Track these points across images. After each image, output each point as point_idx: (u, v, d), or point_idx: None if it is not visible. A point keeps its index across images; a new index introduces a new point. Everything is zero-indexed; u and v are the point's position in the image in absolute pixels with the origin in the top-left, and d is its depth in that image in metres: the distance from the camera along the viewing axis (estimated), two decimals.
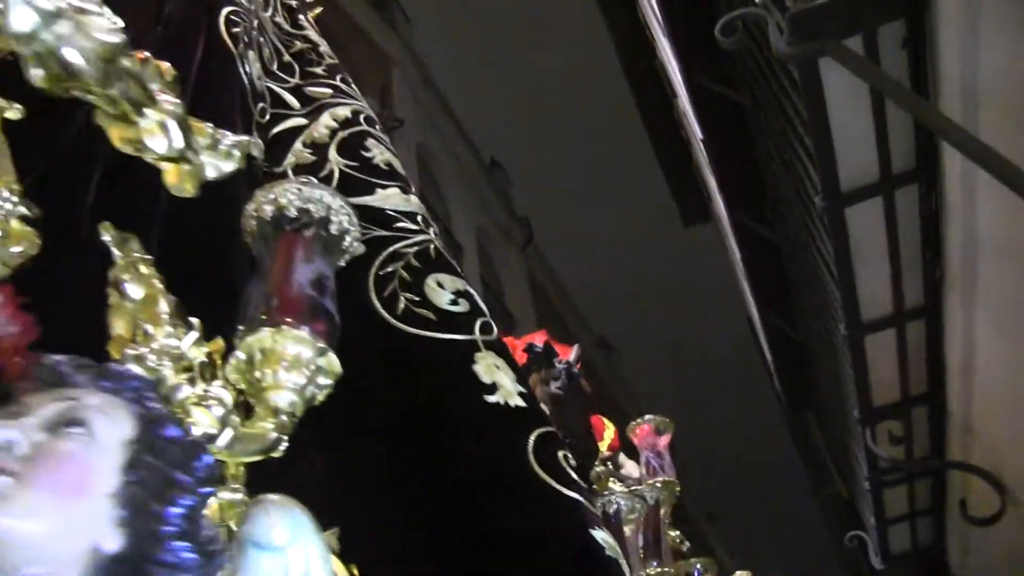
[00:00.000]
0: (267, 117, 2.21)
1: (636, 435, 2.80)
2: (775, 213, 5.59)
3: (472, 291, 1.97)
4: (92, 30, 1.13)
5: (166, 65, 1.36)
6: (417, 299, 1.85)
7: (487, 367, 1.79)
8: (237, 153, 1.35)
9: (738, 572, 3.46)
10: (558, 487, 1.65)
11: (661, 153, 7.89)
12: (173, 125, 1.26)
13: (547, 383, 3.14)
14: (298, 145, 2.19)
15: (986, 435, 4.39)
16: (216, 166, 1.29)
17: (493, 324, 1.92)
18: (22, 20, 1.06)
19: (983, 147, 2.60)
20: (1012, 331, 3.54)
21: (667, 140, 7.69)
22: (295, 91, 2.34)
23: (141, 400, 1.09)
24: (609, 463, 3.28)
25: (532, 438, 1.70)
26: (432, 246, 2.00)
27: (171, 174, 1.36)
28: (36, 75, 1.11)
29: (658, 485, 2.72)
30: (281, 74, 2.40)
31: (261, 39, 2.35)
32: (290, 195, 1.37)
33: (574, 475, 1.73)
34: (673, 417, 2.97)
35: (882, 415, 4.67)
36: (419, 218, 2.06)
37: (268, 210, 1.37)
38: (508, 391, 1.76)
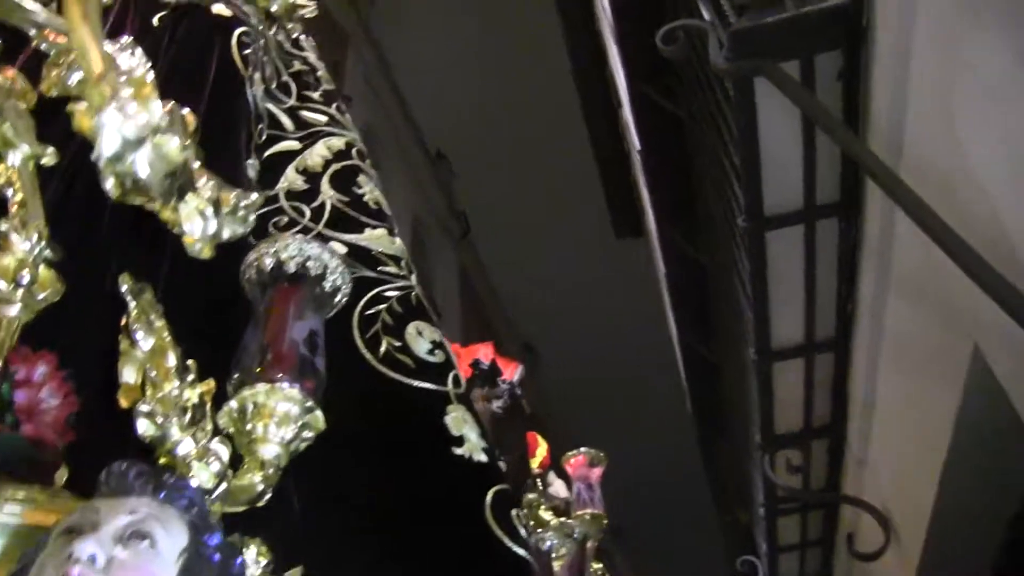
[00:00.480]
0: (263, 137, 2.30)
1: (570, 465, 2.89)
2: (703, 233, 5.61)
3: (446, 342, 2.07)
4: (166, 151, 1.21)
5: (190, 117, 1.42)
6: (398, 344, 1.95)
7: (456, 420, 1.89)
8: (252, 217, 1.40)
9: None
10: (509, 544, 1.76)
11: (601, 162, 7.91)
12: (211, 211, 1.33)
13: (489, 400, 3.21)
14: (291, 171, 2.26)
15: (879, 472, 4.45)
16: (233, 229, 1.36)
17: (462, 377, 2.03)
18: (110, 145, 1.13)
19: (903, 187, 2.61)
20: (911, 372, 3.59)
21: (609, 150, 7.71)
22: (290, 112, 2.42)
23: (191, 509, 1.27)
24: (539, 480, 3.31)
25: (490, 495, 1.79)
26: (413, 293, 2.10)
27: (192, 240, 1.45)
28: (110, 188, 1.19)
29: (587, 518, 2.85)
30: (279, 93, 2.46)
31: (264, 58, 2.41)
32: (291, 251, 1.49)
33: (524, 532, 1.83)
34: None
35: (782, 443, 4.71)
36: (403, 263, 2.16)
37: (268, 263, 1.48)
38: (474, 445, 1.86)
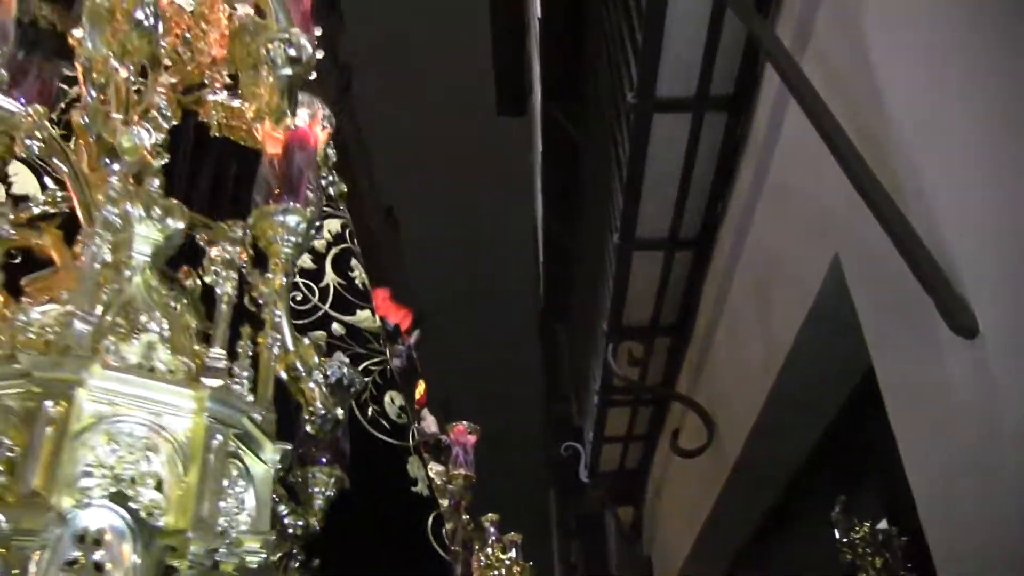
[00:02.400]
0: None
1: (453, 432, 3.30)
2: (586, 116, 5.47)
3: (407, 405, 2.63)
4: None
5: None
6: (379, 409, 2.48)
7: (413, 466, 2.49)
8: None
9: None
10: (442, 553, 2.41)
11: (497, 28, 7.58)
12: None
13: (391, 357, 3.62)
14: None
15: (713, 377, 4.55)
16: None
17: (416, 432, 2.63)
18: None
19: (801, 76, 2.50)
20: (764, 285, 3.61)
21: (507, 17, 7.39)
22: None
23: None
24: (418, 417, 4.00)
25: (431, 518, 2.44)
26: (388, 367, 2.60)
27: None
28: None
29: (461, 479, 3.33)
30: None
31: None
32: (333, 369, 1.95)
33: (449, 543, 2.56)
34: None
35: (628, 335, 4.74)
36: (380, 339, 2.62)
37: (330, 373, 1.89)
38: (423, 483, 2.48)
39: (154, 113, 1.56)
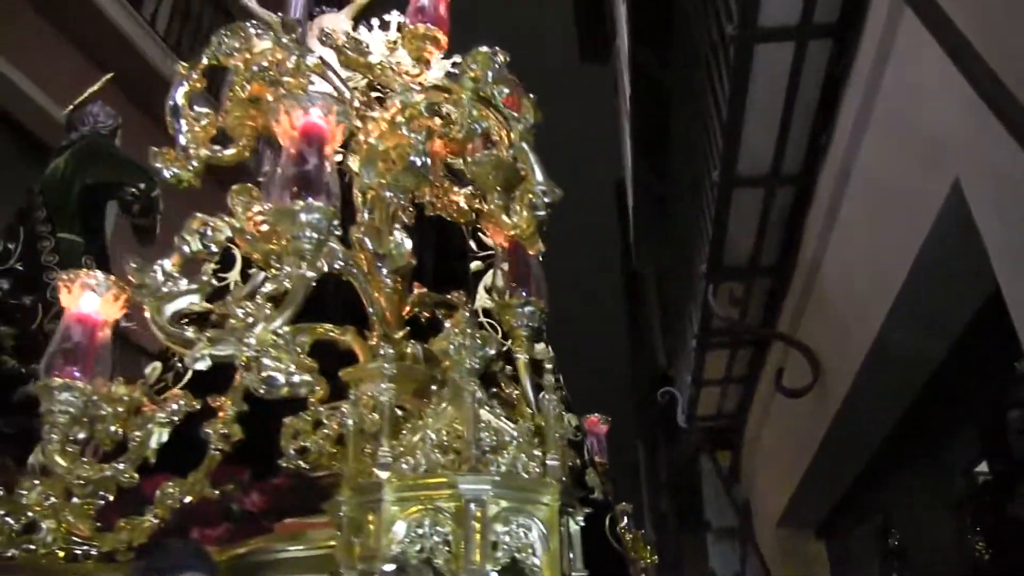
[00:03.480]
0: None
1: (587, 423, 3.09)
2: (677, 57, 5.37)
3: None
4: None
5: None
6: None
7: (590, 477, 2.73)
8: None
9: None
10: (619, 549, 2.68)
11: None
12: None
13: None
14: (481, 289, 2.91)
15: (815, 317, 4.47)
16: None
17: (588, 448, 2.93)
18: None
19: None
20: (873, 218, 3.51)
21: None
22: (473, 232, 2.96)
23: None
24: None
25: (607, 519, 2.70)
26: (565, 393, 2.76)
27: None
28: None
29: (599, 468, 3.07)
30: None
31: None
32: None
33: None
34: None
35: (728, 275, 4.68)
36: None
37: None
38: (599, 490, 2.73)
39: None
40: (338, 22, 4.11)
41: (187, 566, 1.59)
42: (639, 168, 6.38)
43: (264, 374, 1.65)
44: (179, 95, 2.11)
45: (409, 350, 2.08)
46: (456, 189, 2.27)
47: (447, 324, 1.88)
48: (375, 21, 3.18)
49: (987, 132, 2.26)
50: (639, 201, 6.73)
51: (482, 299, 2.77)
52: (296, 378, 1.68)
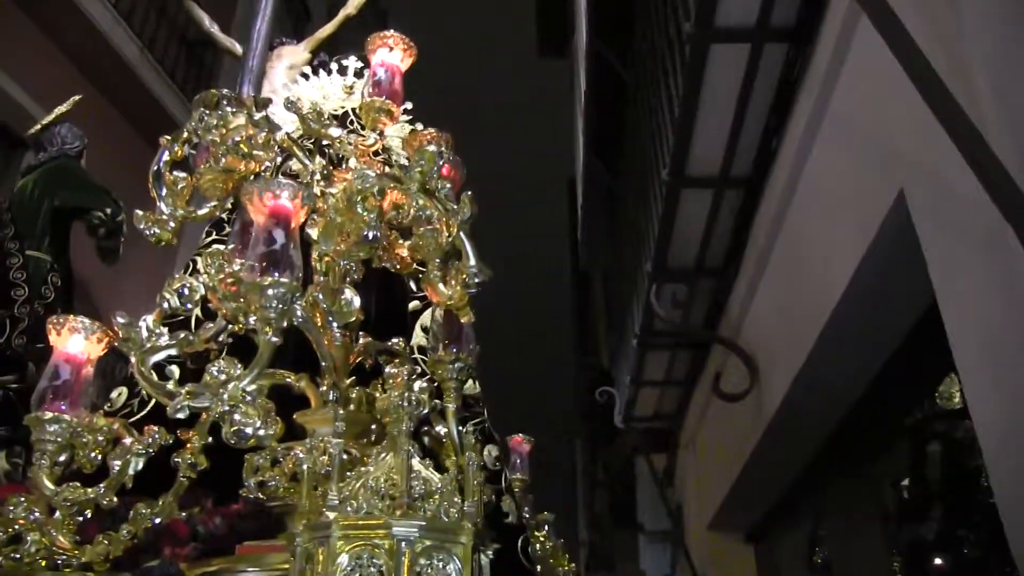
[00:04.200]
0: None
1: (511, 442, 3.24)
2: (636, 54, 5.33)
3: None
4: None
5: None
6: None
7: (506, 503, 2.86)
8: None
9: None
10: (531, 568, 2.74)
11: None
12: None
13: None
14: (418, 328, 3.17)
15: (757, 321, 4.46)
16: None
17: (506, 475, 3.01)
18: None
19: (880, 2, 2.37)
20: (818, 224, 3.50)
21: None
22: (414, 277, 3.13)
23: None
24: None
25: (520, 540, 2.79)
26: (487, 424, 3.05)
27: None
28: None
29: (517, 483, 3.13)
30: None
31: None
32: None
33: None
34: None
35: (672, 276, 4.66)
36: (480, 402, 3.09)
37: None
38: (514, 515, 2.86)
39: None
40: (296, 54, 4.22)
41: None
42: (591, 165, 6.34)
43: (234, 428, 1.90)
44: (162, 163, 2.38)
45: (354, 395, 2.37)
46: (401, 242, 2.50)
47: (387, 369, 2.21)
48: (334, 65, 3.42)
49: (935, 145, 2.24)
50: (589, 198, 6.68)
51: (418, 337, 3.06)
52: (262, 431, 1.93)
